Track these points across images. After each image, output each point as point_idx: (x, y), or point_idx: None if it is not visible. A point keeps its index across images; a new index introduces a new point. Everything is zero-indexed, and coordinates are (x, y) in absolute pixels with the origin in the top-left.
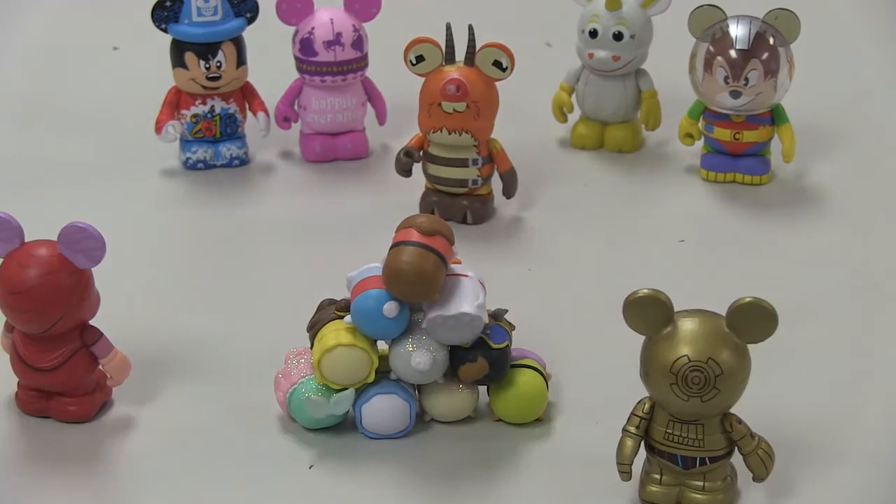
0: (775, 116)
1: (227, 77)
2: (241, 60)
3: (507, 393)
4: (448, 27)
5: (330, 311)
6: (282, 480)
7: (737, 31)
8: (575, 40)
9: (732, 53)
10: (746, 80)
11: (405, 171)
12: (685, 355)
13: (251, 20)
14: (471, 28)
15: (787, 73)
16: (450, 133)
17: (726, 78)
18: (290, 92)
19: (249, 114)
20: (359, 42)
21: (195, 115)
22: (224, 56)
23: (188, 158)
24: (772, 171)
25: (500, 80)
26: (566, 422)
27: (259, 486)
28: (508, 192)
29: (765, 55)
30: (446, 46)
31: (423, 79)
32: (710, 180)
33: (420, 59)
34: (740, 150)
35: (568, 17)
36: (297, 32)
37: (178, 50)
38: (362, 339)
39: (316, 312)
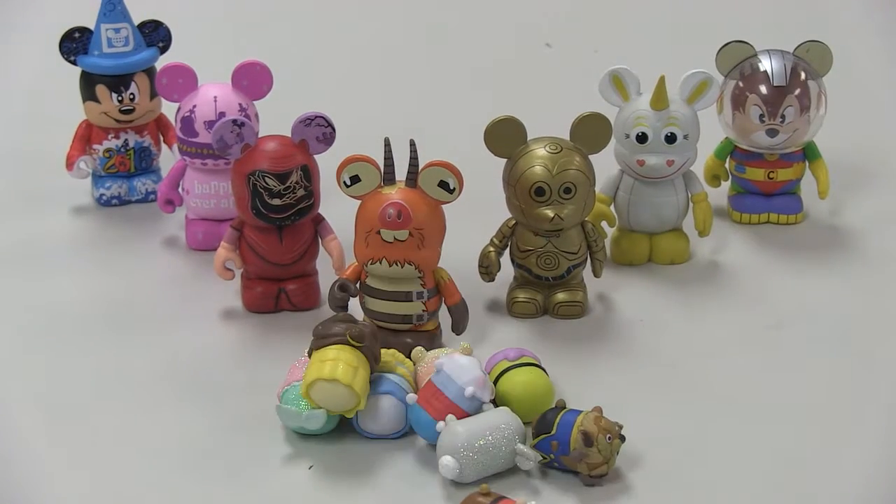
0: (808, 153)
1: (140, 109)
2: (154, 92)
3: (513, 392)
4: (387, 143)
5: (342, 330)
6: (282, 481)
7: (771, 66)
8: (612, 144)
9: (766, 90)
10: (783, 117)
11: (340, 308)
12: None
13: (164, 49)
14: (412, 144)
15: (820, 107)
16: (390, 264)
17: (761, 116)
18: (173, 173)
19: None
20: None
21: (108, 150)
22: (137, 88)
23: (102, 195)
24: (805, 209)
25: (447, 202)
26: None
27: (259, 486)
28: (458, 327)
29: (798, 90)
30: (385, 165)
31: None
32: (743, 222)
33: (355, 179)
34: (774, 189)
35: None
36: (178, 109)
37: (89, 83)
38: (360, 379)
39: (332, 322)
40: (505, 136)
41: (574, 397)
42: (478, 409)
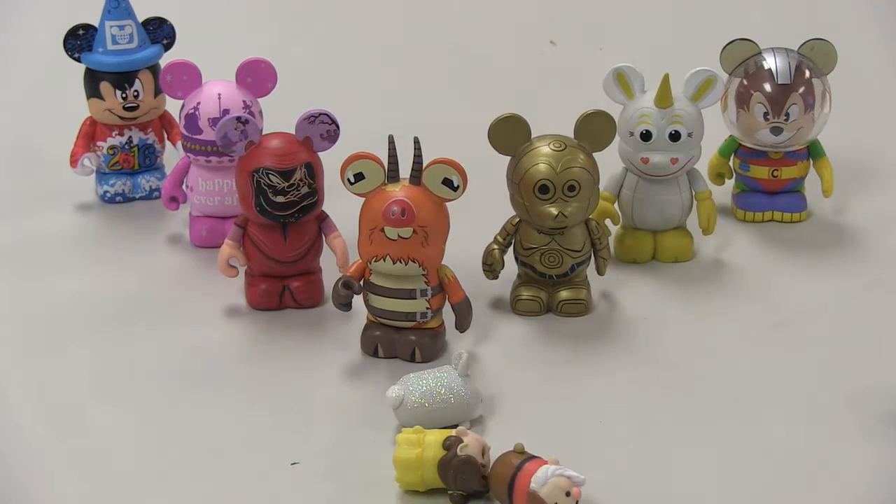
0: (812, 151)
1: (144, 107)
2: (158, 89)
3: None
4: (391, 140)
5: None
6: (286, 478)
7: (775, 64)
8: (617, 141)
9: (770, 88)
10: (787, 115)
11: (344, 305)
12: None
13: (168, 47)
14: (416, 141)
15: (824, 105)
16: (394, 262)
17: (766, 114)
18: (177, 170)
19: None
20: None
21: (112, 147)
22: (141, 85)
23: (106, 192)
24: (809, 208)
25: (450, 200)
26: None
27: (264, 482)
28: (461, 325)
29: (802, 88)
30: (389, 162)
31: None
32: (747, 220)
33: (359, 177)
34: (778, 187)
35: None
36: (182, 107)
37: (93, 80)
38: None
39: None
40: (509, 134)
41: (576, 396)
42: None
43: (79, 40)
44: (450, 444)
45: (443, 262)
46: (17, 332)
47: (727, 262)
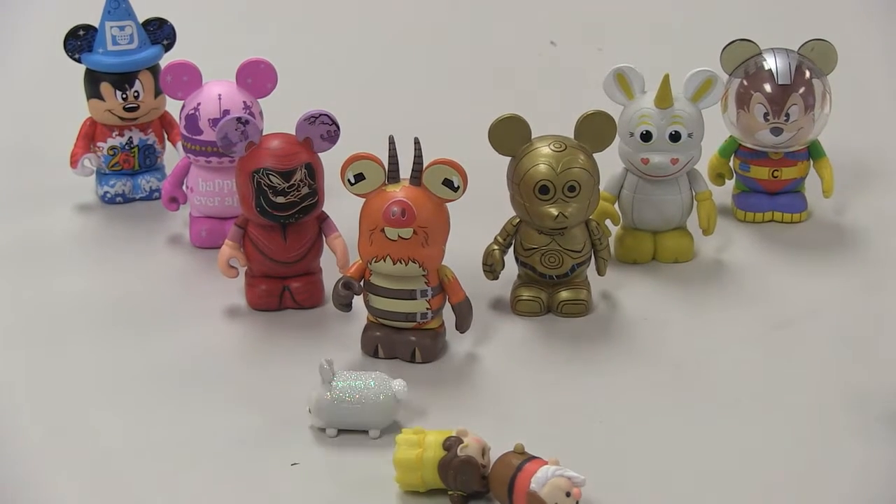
0: (812, 151)
1: (145, 107)
2: (158, 90)
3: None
4: (391, 141)
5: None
6: (286, 479)
7: (775, 64)
8: (617, 141)
9: (771, 88)
10: (787, 115)
11: (344, 306)
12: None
13: (168, 47)
14: (417, 142)
15: (824, 106)
16: (394, 262)
17: (766, 115)
18: (177, 171)
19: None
20: None
21: (112, 148)
22: (141, 86)
23: (106, 192)
24: (809, 208)
25: (451, 200)
26: None
27: (263, 484)
28: (462, 325)
29: (803, 89)
30: (389, 163)
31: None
32: (747, 221)
33: (359, 177)
34: (778, 188)
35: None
36: (183, 107)
37: (93, 80)
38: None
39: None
40: (509, 135)
41: (576, 396)
42: None
43: (79, 41)
44: (450, 445)
45: (443, 263)
46: (16, 332)
47: (727, 263)
